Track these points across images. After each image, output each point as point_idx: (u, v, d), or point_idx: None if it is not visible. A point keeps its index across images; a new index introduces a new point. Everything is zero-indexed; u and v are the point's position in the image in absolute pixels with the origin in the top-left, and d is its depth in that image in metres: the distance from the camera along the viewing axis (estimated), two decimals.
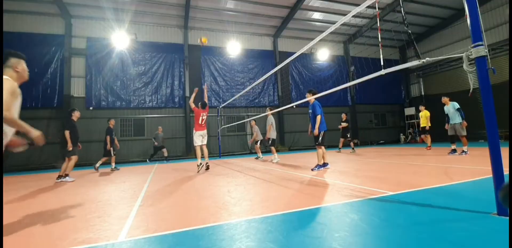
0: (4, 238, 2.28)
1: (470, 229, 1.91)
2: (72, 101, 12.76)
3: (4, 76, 2.44)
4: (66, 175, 6.21)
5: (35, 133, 2.46)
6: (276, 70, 8.69)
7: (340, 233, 1.97)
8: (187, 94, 14.65)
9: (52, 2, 12.16)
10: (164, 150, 12.33)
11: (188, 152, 14.38)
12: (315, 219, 2.36)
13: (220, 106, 14.29)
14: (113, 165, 8.69)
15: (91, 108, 13.03)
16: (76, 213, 3.06)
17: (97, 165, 8.49)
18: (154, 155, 12.48)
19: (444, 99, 7.76)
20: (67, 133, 6.25)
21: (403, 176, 4.41)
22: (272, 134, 8.89)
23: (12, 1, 11.75)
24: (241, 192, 3.81)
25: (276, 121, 12.91)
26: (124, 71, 13.82)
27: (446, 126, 7.62)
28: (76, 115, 6.61)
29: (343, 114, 11.66)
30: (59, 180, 6.08)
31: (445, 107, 7.74)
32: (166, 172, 7.23)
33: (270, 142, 8.96)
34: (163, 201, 3.49)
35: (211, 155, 14.70)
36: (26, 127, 2.38)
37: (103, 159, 8.68)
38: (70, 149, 6.24)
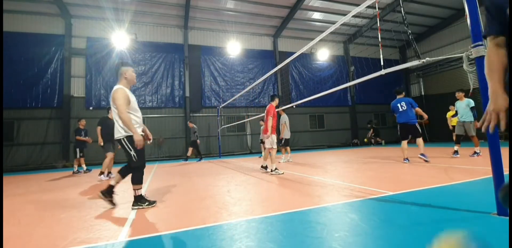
0: (4, 238, 2.28)
1: (470, 229, 1.91)
2: (72, 101, 12.77)
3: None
4: (102, 173, 6.24)
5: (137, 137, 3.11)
6: (276, 70, 8.67)
7: (340, 233, 1.97)
8: (187, 94, 14.65)
9: (52, 2, 12.16)
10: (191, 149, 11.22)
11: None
12: (315, 219, 2.36)
13: (220, 106, 14.30)
14: (84, 167, 8.34)
15: (91, 108, 13.03)
16: (76, 213, 3.05)
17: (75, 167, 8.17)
18: (198, 152, 11.38)
19: (459, 94, 7.11)
20: (98, 128, 6.34)
21: (403, 176, 4.40)
22: (286, 133, 8.63)
23: (12, 1, 11.75)
24: (241, 192, 3.81)
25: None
26: None
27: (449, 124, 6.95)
28: (111, 115, 6.53)
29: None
30: (100, 178, 6.18)
31: (457, 103, 7.18)
32: (166, 172, 7.23)
33: (283, 141, 8.69)
34: (163, 201, 3.49)
35: (211, 155, 14.72)
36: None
37: (77, 160, 8.20)
38: (101, 144, 6.30)
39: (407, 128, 6.27)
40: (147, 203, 3.22)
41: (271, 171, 5.60)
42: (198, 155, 11.66)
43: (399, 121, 6.38)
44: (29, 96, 12.09)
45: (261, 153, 11.13)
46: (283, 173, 5.52)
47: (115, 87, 3.26)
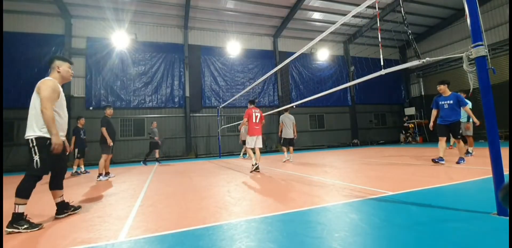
0: (4, 238, 2.28)
1: (470, 229, 1.90)
2: (72, 101, 12.77)
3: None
4: (100, 174, 6.16)
5: (54, 139, 2.61)
6: (276, 70, 8.66)
7: (340, 233, 1.97)
8: (187, 94, 14.66)
9: (52, 2, 12.17)
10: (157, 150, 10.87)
11: (188, 152, 14.38)
12: (315, 219, 2.36)
13: (220, 106, 14.30)
14: (82, 168, 8.20)
15: (91, 108, 13.04)
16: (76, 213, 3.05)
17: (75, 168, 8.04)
18: (149, 154, 10.85)
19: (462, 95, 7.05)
20: (103, 129, 6.16)
21: (403, 176, 4.40)
22: (285, 133, 8.57)
23: (12, 1, 11.75)
24: (241, 192, 3.81)
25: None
26: (124, 71, 13.83)
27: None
28: (108, 112, 6.54)
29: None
30: (99, 179, 6.05)
31: None
32: (166, 173, 7.23)
33: (282, 140, 8.66)
34: (163, 201, 3.49)
35: (211, 155, 14.72)
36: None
37: (77, 161, 8.09)
38: (111, 145, 6.17)
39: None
40: (26, 227, 2.41)
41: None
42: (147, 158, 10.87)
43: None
44: (29, 96, 12.01)
45: (245, 154, 11.36)
46: (252, 171, 5.95)
47: (45, 78, 2.81)
